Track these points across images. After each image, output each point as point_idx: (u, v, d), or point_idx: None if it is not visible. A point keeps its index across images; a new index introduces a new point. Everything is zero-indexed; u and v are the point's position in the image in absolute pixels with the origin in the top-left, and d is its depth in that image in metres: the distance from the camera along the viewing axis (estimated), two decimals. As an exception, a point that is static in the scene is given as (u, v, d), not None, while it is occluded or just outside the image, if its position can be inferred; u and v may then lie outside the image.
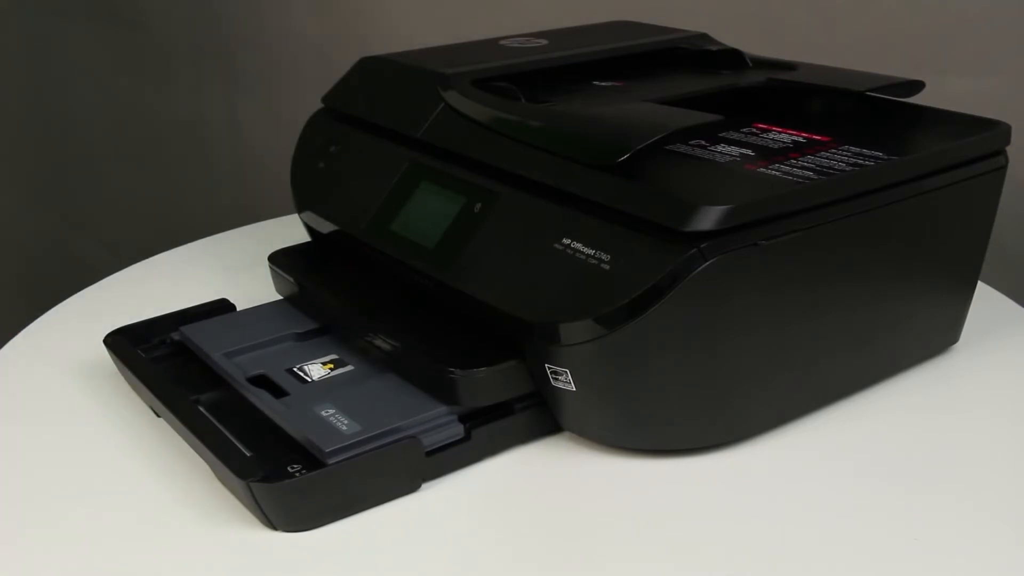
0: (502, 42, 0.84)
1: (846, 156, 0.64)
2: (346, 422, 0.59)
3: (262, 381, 0.65)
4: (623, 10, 0.95)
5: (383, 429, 0.58)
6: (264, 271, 0.77)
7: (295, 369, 0.66)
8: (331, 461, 0.56)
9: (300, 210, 0.80)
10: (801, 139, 0.68)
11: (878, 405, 0.67)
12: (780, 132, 0.69)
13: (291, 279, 0.75)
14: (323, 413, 0.60)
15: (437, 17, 1.27)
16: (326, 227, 0.77)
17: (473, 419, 0.61)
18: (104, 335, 0.70)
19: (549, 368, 0.59)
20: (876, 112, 0.75)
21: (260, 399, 0.63)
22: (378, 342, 0.65)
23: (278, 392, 0.64)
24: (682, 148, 0.66)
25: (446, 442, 0.60)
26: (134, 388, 0.68)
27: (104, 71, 1.46)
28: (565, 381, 0.59)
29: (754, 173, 0.61)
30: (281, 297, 0.77)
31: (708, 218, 0.54)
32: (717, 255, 0.55)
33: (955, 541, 0.55)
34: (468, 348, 0.62)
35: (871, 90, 0.73)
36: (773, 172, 0.61)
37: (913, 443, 0.63)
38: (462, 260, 0.64)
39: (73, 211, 1.53)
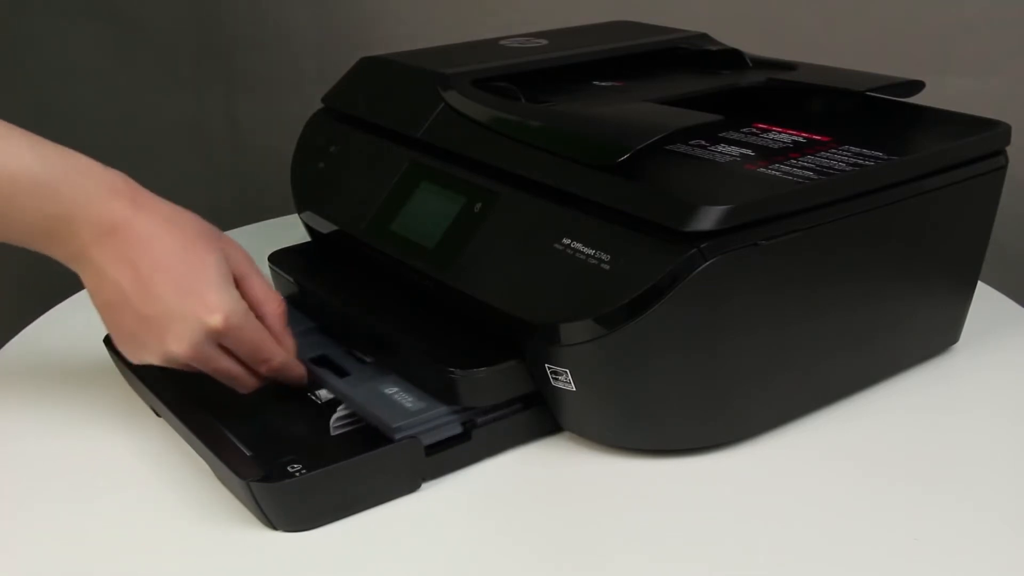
0: (502, 42, 0.84)
1: (846, 156, 0.64)
2: (411, 399, 0.60)
3: (323, 361, 0.67)
4: (623, 10, 0.95)
5: (444, 408, 0.60)
6: (264, 271, 0.77)
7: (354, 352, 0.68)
8: (397, 436, 0.57)
9: (300, 210, 0.80)
10: (801, 139, 0.68)
11: (878, 405, 0.67)
12: (780, 132, 0.69)
13: (291, 279, 0.75)
14: (387, 391, 0.62)
15: (437, 17, 1.27)
16: (326, 227, 0.77)
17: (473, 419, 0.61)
18: (103, 335, 0.70)
19: (549, 368, 0.59)
20: (876, 112, 0.75)
21: (326, 377, 0.64)
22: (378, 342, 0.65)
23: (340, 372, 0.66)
24: (682, 148, 0.66)
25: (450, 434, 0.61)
26: (134, 388, 0.68)
27: (104, 71, 1.46)
28: (565, 381, 0.59)
29: (754, 173, 0.61)
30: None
31: (708, 218, 0.54)
32: (717, 255, 0.55)
33: (955, 541, 0.55)
34: (468, 348, 0.62)
35: (871, 90, 0.73)
36: (773, 172, 0.61)
37: (913, 443, 0.63)
38: (462, 260, 0.64)
39: (73, 211, 1.53)
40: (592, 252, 0.58)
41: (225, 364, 0.62)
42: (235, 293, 0.61)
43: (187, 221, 0.61)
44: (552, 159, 0.62)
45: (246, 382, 0.63)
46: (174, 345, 0.59)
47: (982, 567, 0.53)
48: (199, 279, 0.59)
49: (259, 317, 0.63)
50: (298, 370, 0.65)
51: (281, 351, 0.63)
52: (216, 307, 0.59)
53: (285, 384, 0.65)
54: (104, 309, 0.61)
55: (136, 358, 0.62)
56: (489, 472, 0.61)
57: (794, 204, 0.58)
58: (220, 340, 0.60)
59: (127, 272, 0.59)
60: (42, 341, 0.78)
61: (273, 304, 0.64)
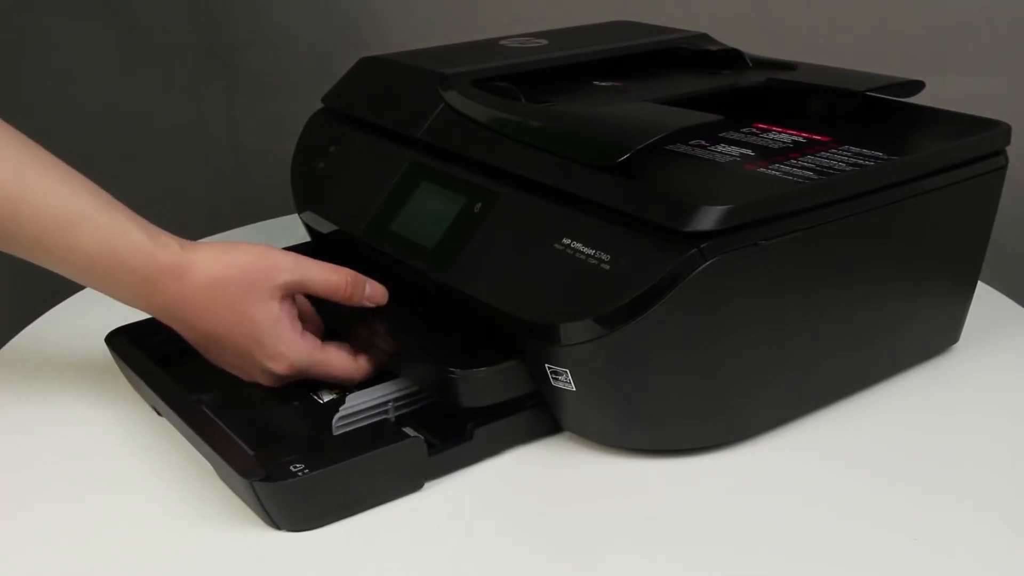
0: (502, 42, 0.84)
1: (846, 156, 0.64)
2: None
3: None
4: (623, 10, 0.95)
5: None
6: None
7: None
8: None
9: (300, 210, 0.80)
10: (801, 139, 0.68)
11: (878, 405, 0.67)
12: (780, 132, 0.69)
13: (292, 279, 0.75)
14: None
15: (437, 17, 1.27)
16: (326, 227, 0.77)
17: (475, 419, 0.61)
18: (105, 334, 0.70)
19: (549, 368, 0.60)
20: (876, 112, 0.75)
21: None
22: (378, 342, 0.65)
23: None
24: (682, 148, 0.66)
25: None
26: (136, 387, 0.68)
27: (104, 71, 1.46)
28: (565, 381, 0.59)
29: (754, 173, 0.61)
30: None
31: (708, 218, 0.54)
32: (717, 255, 0.55)
33: (955, 541, 0.55)
34: (468, 348, 0.62)
35: (871, 90, 0.73)
36: (773, 172, 0.61)
37: (913, 443, 0.63)
38: (462, 260, 0.64)
39: (73, 211, 1.52)
40: (592, 252, 0.58)
41: (316, 377, 0.66)
42: (290, 337, 0.63)
43: (229, 282, 0.62)
44: (552, 159, 0.62)
45: (349, 381, 0.66)
46: (262, 381, 0.65)
47: (982, 567, 0.53)
48: (254, 338, 0.63)
49: (336, 302, 0.66)
50: (376, 366, 0.67)
51: (354, 369, 0.65)
52: (276, 356, 0.63)
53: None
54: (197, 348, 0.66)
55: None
56: (490, 472, 0.61)
57: (794, 204, 0.58)
58: (299, 375, 0.65)
59: (194, 335, 0.64)
60: (43, 341, 0.78)
61: (340, 293, 0.65)
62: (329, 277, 0.65)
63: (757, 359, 0.60)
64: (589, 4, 1.02)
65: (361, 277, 0.66)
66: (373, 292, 0.67)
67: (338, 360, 0.65)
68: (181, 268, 0.62)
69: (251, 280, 0.63)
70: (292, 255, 0.65)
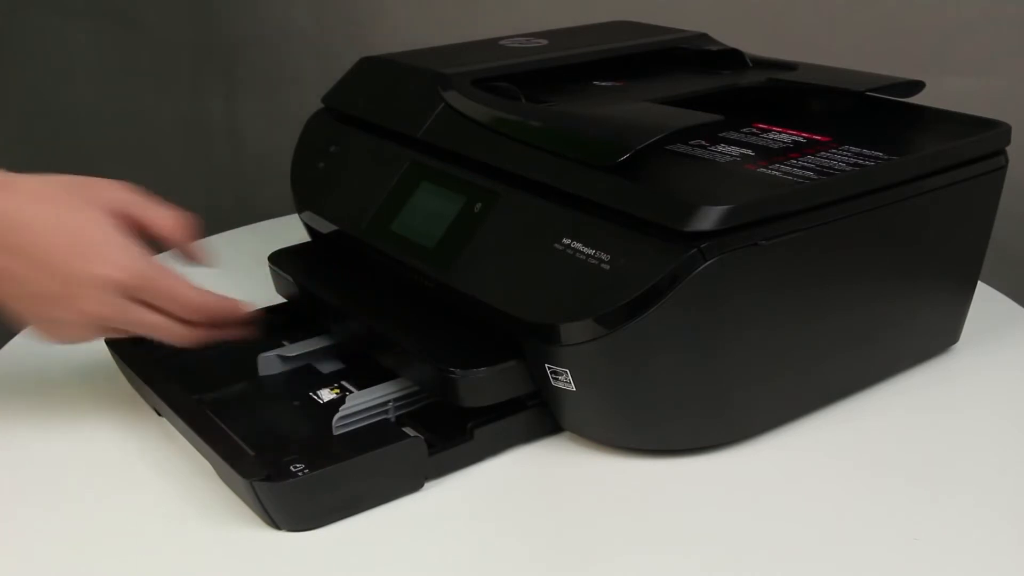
0: (502, 42, 0.84)
1: (846, 156, 0.64)
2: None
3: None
4: (623, 10, 0.95)
5: None
6: (264, 271, 0.77)
7: None
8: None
9: (300, 210, 0.80)
10: (801, 139, 0.68)
11: (878, 405, 0.67)
12: (780, 132, 0.69)
13: (291, 279, 0.75)
14: None
15: (437, 17, 1.27)
16: (326, 227, 0.77)
17: (475, 419, 0.61)
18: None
19: (549, 368, 0.60)
20: (876, 112, 0.75)
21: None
22: (378, 342, 0.65)
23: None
24: (682, 148, 0.66)
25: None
26: (136, 387, 0.68)
27: (104, 71, 1.46)
28: (565, 381, 0.59)
29: (754, 173, 0.61)
30: (283, 298, 0.77)
31: (708, 218, 0.54)
32: (717, 255, 0.55)
33: (955, 541, 0.55)
34: (468, 348, 0.62)
35: (871, 90, 0.73)
36: (773, 172, 0.61)
37: (913, 443, 0.63)
38: (462, 260, 0.64)
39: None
40: (592, 252, 0.58)
41: (149, 318, 0.61)
42: (130, 243, 0.60)
43: (57, 190, 0.60)
44: (552, 159, 0.62)
45: (177, 332, 0.63)
46: (90, 309, 0.59)
47: (982, 567, 0.53)
48: (90, 241, 0.59)
49: (166, 241, 0.63)
50: (228, 304, 0.64)
51: (204, 293, 0.62)
52: (114, 261, 0.59)
53: (232, 333, 0.65)
54: (14, 303, 0.60)
55: (64, 339, 0.62)
56: (491, 472, 0.61)
57: (794, 204, 0.58)
58: (134, 295, 0.60)
59: (18, 260, 0.59)
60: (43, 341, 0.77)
61: (170, 223, 0.63)
62: (160, 208, 0.63)
63: (757, 359, 0.60)
64: (589, 4, 1.02)
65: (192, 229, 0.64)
66: (199, 249, 0.64)
67: (178, 282, 0.61)
68: (5, 182, 0.60)
69: (78, 186, 0.61)
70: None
